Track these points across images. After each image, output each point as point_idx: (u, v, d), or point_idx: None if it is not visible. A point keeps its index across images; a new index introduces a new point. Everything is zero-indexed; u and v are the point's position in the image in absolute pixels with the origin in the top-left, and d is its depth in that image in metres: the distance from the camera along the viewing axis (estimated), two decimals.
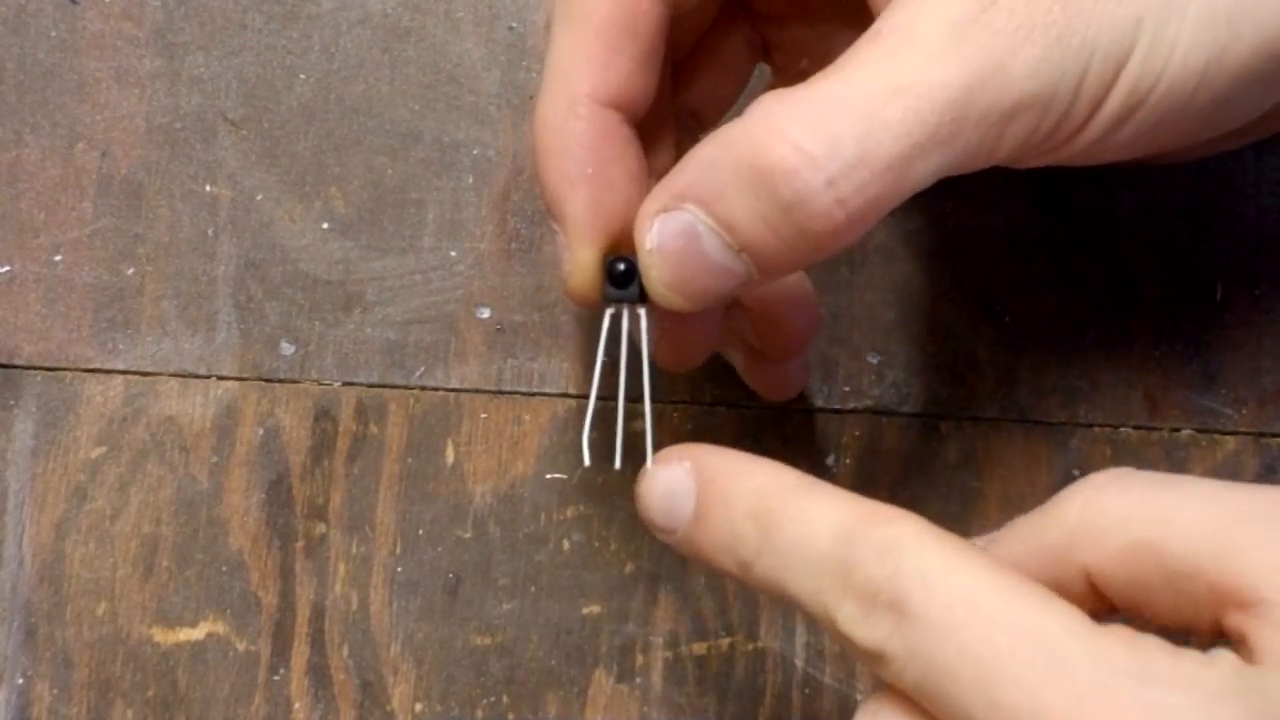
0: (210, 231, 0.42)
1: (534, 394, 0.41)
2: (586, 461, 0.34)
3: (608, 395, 0.34)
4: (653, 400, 0.34)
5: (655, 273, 0.31)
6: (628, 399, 0.36)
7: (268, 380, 0.42)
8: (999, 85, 0.29)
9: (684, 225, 0.30)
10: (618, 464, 0.34)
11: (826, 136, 0.28)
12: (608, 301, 0.33)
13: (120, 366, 0.42)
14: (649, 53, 0.32)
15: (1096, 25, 0.29)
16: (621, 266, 0.32)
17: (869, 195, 0.29)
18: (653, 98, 0.33)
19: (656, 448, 0.32)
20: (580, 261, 0.33)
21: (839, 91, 0.29)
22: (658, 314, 0.33)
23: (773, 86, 0.37)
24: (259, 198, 0.42)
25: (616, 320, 0.33)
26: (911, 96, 0.28)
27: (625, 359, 0.34)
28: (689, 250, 0.30)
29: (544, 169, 0.33)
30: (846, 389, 0.41)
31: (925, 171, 0.29)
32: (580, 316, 0.41)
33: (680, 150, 0.35)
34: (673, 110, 0.36)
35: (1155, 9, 0.29)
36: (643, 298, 0.32)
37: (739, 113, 0.31)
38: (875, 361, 0.41)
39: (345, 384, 0.42)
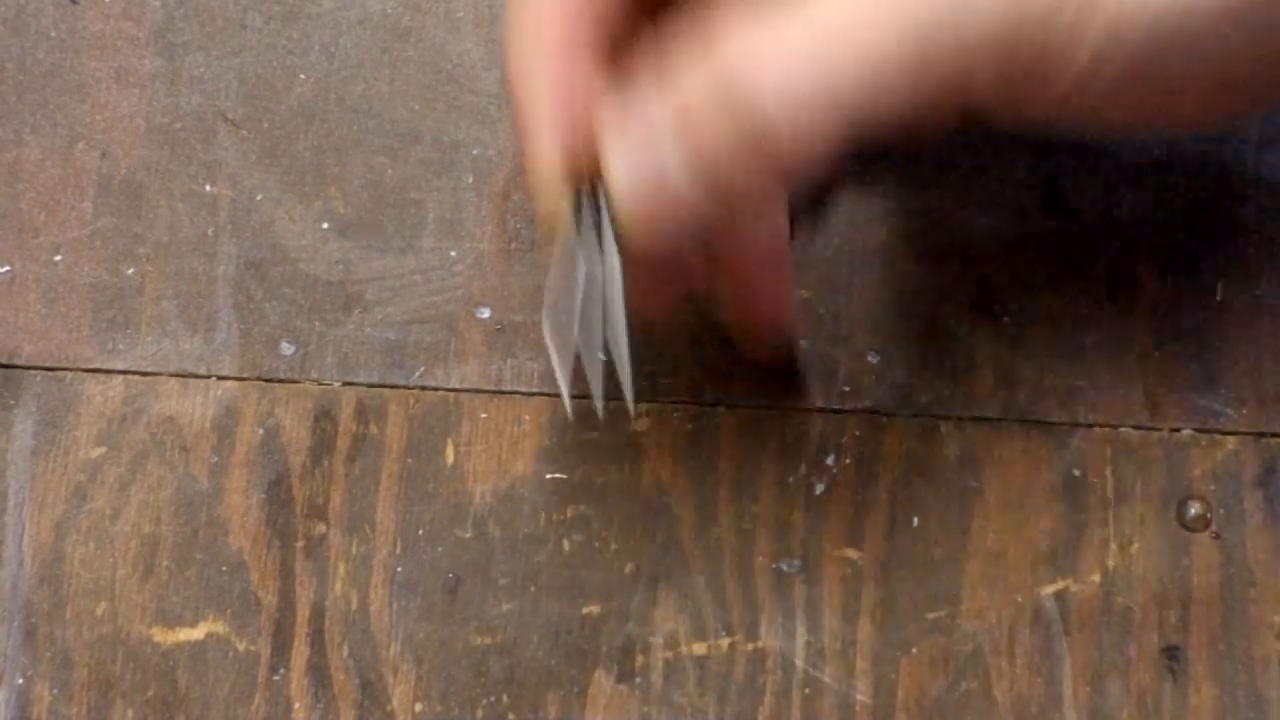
0: (210, 231, 0.42)
1: (534, 394, 0.41)
2: (570, 416, 0.34)
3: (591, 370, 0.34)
4: (632, 353, 0.33)
5: (618, 197, 0.31)
6: (605, 351, 0.35)
7: (268, 380, 0.42)
8: (964, 12, 0.28)
9: (649, 153, 0.30)
10: (600, 412, 0.34)
11: (789, 64, 0.29)
12: (577, 230, 0.32)
13: (120, 366, 0.42)
14: None
15: None
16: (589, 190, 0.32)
17: (830, 125, 0.29)
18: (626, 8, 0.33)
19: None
20: (546, 169, 0.32)
21: (803, 19, 0.29)
22: (627, 257, 0.33)
23: None
24: (259, 198, 0.42)
25: (588, 254, 0.33)
26: (874, 28, 0.28)
27: (604, 295, 0.33)
28: (653, 176, 0.30)
29: (512, 66, 0.32)
30: (846, 389, 0.41)
31: (890, 105, 0.29)
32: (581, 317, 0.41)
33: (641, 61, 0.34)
34: (635, 18, 0.35)
35: None
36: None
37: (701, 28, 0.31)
38: (875, 361, 0.41)
39: (345, 384, 0.42)
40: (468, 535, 0.41)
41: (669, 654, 0.41)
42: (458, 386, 0.42)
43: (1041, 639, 0.40)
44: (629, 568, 0.41)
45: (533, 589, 0.41)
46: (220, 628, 0.41)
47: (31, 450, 0.41)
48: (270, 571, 0.41)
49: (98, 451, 0.41)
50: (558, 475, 0.41)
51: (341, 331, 0.42)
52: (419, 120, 0.43)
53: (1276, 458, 0.41)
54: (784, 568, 0.41)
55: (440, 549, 0.41)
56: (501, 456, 0.41)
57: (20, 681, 0.41)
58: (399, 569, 0.41)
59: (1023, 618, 0.40)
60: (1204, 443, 0.41)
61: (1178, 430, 0.41)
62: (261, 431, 0.42)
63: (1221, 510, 0.41)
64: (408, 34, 0.43)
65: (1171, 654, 0.40)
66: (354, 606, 0.41)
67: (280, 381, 0.42)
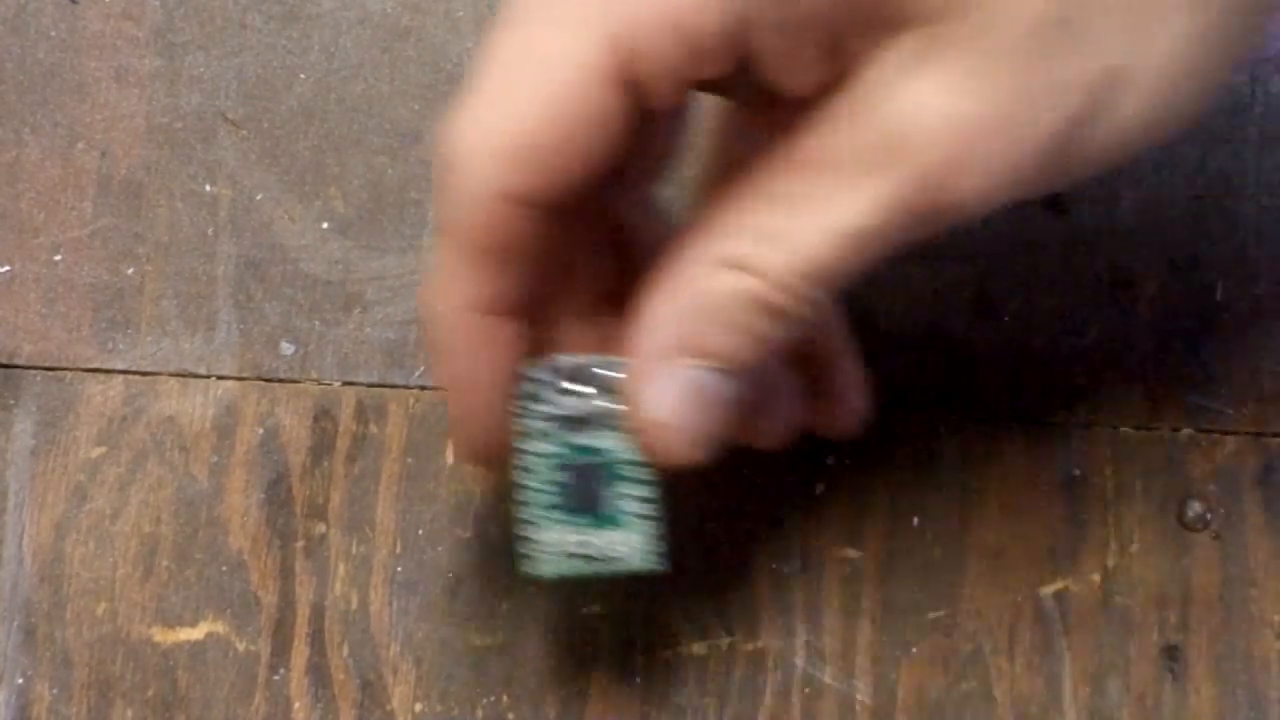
0: (210, 231, 0.42)
1: None
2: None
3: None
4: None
5: (669, 437, 0.32)
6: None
7: (268, 380, 0.42)
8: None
9: (688, 380, 0.31)
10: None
11: (788, 263, 0.30)
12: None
13: (120, 366, 0.42)
14: (529, 261, 0.31)
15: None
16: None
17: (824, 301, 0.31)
18: (545, 283, 0.33)
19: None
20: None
21: (799, 222, 0.30)
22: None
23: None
24: (259, 198, 0.42)
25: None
26: (850, 237, 0.29)
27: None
28: (701, 402, 0.31)
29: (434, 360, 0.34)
30: None
31: (874, 260, 0.30)
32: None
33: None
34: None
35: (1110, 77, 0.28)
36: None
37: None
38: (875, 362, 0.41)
39: (345, 384, 0.42)
40: (468, 535, 0.41)
41: (669, 654, 0.41)
42: None
43: (1041, 639, 0.40)
44: None
45: (533, 589, 0.41)
46: (220, 628, 0.41)
47: (31, 450, 0.41)
48: (270, 571, 0.41)
49: (98, 451, 0.41)
50: None
51: (341, 331, 0.42)
52: (419, 120, 0.43)
53: (1276, 457, 0.41)
54: (784, 568, 0.41)
55: (440, 549, 0.41)
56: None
57: (20, 681, 0.41)
58: (399, 569, 0.41)
59: (1023, 617, 0.40)
60: (1204, 443, 0.41)
61: (1178, 430, 0.41)
62: (261, 431, 0.42)
63: (1221, 510, 0.41)
64: (408, 34, 0.43)
65: (1171, 654, 0.40)
66: (354, 606, 0.41)
67: (280, 381, 0.42)
